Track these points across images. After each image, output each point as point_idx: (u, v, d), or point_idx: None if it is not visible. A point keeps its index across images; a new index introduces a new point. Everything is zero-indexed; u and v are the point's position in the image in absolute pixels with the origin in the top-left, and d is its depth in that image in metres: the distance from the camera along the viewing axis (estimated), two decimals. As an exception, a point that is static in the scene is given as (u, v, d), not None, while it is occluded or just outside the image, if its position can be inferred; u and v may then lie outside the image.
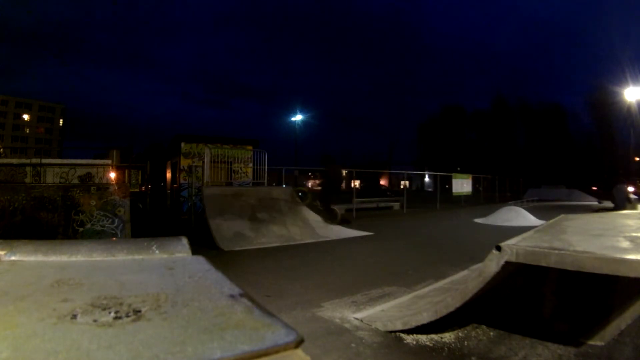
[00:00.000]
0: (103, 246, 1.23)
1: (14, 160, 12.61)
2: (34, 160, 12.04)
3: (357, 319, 3.16)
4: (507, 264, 2.19)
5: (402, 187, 29.10)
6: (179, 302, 0.77)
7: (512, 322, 2.81)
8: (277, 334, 0.61)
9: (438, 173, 20.30)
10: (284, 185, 11.82)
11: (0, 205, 5.79)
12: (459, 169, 36.35)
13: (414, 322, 2.67)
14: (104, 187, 6.94)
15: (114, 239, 5.66)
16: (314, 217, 8.73)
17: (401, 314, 3.09)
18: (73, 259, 1.13)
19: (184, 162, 13.24)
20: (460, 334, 2.76)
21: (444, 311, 2.51)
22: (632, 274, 1.82)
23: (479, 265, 2.54)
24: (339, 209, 14.14)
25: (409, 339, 2.72)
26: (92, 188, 6.69)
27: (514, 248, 2.18)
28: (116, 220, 6.59)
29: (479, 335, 2.77)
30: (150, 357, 0.53)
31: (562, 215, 4.08)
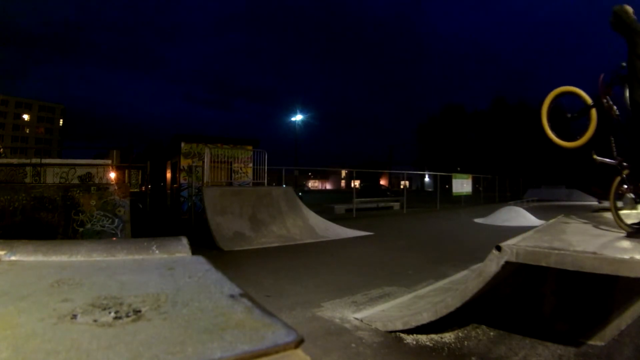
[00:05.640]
0: (103, 246, 1.23)
1: (14, 160, 12.59)
2: (34, 160, 12.03)
3: (357, 319, 3.15)
4: (507, 264, 2.19)
5: (402, 187, 29.14)
6: (179, 302, 0.77)
7: (512, 322, 2.80)
8: (277, 334, 0.61)
9: (438, 173, 20.30)
10: (284, 185, 11.82)
11: (0, 205, 5.79)
12: (459, 169, 36.35)
13: (414, 322, 2.67)
14: (104, 187, 6.94)
15: (114, 239, 5.66)
16: (314, 217, 8.74)
17: (401, 314, 3.08)
18: (73, 259, 1.13)
19: (184, 162, 13.25)
20: (460, 334, 2.76)
21: (444, 311, 2.51)
22: (632, 274, 1.82)
23: (479, 265, 2.54)
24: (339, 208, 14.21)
25: (409, 339, 2.71)
26: (92, 188, 6.69)
27: (514, 248, 2.18)
28: (116, 220, 6.59)
29: (479, 335, 2.77)
30: (150, 357, 0.53)
31: (562, 215, 4.07)
